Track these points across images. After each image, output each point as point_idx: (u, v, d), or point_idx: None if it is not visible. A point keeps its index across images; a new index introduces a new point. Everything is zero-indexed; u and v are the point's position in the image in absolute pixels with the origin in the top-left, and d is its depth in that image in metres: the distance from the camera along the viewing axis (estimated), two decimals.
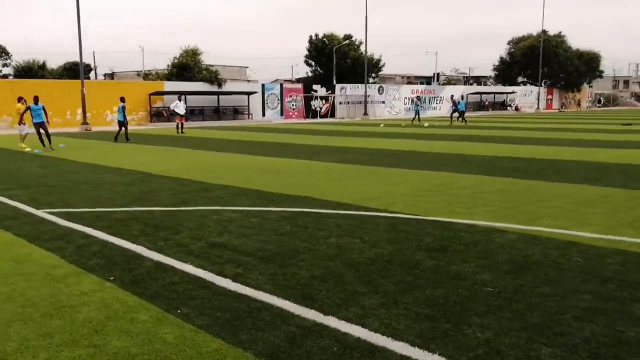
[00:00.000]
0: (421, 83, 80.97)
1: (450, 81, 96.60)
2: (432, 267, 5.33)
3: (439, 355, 3.54)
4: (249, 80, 50.30)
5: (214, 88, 44.59)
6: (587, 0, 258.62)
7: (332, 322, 4.06)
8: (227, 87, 46.12)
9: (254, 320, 4.11)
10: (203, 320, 4.11)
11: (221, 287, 4.85)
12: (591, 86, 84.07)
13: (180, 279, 5.06)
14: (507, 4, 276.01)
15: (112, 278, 5.13)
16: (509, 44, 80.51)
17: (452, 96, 45.61)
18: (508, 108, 68.68)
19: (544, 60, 70.22)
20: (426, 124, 35.83)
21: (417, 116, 39.53)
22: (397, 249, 5.97)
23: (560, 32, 76.55)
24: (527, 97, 72.29)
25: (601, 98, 73.78)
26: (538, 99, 71.75)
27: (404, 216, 7.67)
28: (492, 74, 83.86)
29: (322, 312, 4.24)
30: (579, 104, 74.78)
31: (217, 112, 44.26)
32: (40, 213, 8.14)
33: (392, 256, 5.72)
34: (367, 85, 53.80)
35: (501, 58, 79.98)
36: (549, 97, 75.73)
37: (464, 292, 4.64)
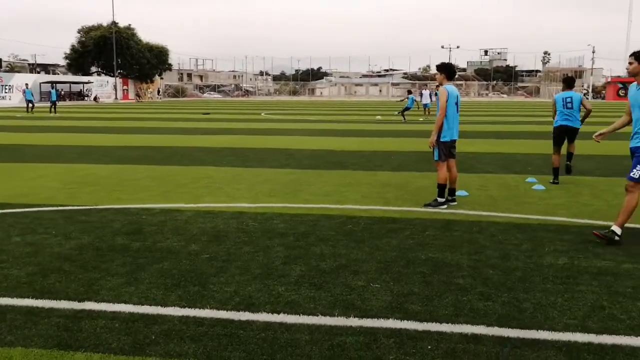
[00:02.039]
0: None
1: (13, 68, 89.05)
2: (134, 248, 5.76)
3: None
4: None
5: None
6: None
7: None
8: None
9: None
10: None
11: None
12: (162, 78, 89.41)
13: None
14: None
15: None
16: (79, 32, 78.71)
17: (26, 85, 42.44)
18: (86, 98, 67.58)
19: (117, 52, 71.41)
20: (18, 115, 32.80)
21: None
22: (95, 237, 6.12)
23: (130, 24, 78.85)
24: (103, 87, 72.36)
25: (159, 89, 79.17)
26: (115, 90, 72.68)
27: (75, 208, 7.64)
28: (65, 62, 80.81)
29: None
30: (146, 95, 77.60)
31: None
32: None
33: (95, 243, 5.88)
34: None
35: (73, 46, 77.64)
36: (125, 87, 77.46)
37: (186, 262, 5.30)
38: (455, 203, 7.94)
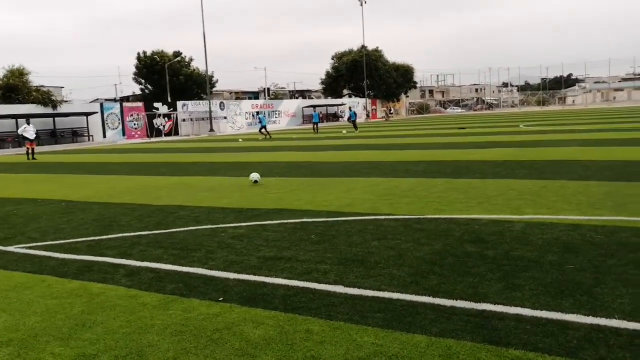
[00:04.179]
0: (249, 98, 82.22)
1: (277, 95, 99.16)
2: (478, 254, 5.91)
3: None
4: (65, 101, 46.85)
5: (48, 110, 41.15)
6: (391, 20, 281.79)
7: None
8: (64, 108, 42.83)
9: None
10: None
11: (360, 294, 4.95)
12: (408, 96, 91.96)
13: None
14: (327, 23, 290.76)
15: (220, 299, 4.95)
16: (332, 58, 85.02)
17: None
18: (340, 119, 72.44)
19: (367, 74, 75.42)
20: (294, 136, 36.81)
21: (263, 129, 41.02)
22: (445, 244, 6.46)
23: (377, 47, 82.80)
24: (355, 108, 76.85)
25: (392, 108, 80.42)
26: (366, 109, 76.70)
27: (405, 217, 8.18)
28: (320, 87, 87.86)
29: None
30: (389, 113, 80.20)
31: (54, 135, 40.98)
32: (17, 249, 7.27)
33: (448, 250, 6.20)
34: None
35: (327, 72, 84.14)
36: (373, 107, 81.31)
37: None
38: None
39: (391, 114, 72.78)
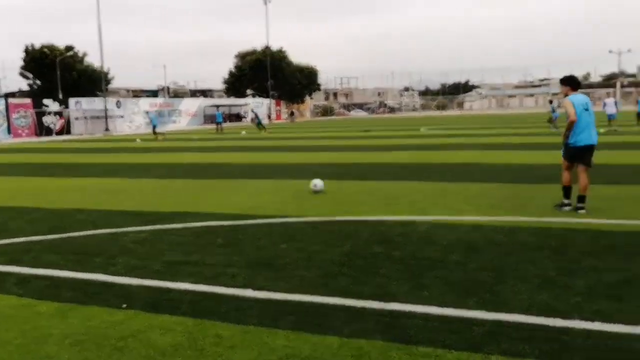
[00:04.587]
0: (147, 96, 79.71)
1: (177, 94, 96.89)
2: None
3: None
4: None
5: None
6: (296, 20, 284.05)
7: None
8: None
9: None
10: None
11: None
12: (312, 98, 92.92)
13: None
14: (230, 21, 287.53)
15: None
16: (236, 57, 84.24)
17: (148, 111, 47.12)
18: (243, 120, 71.82)
19: (270, 74, 75.34)
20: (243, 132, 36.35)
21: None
22: (352, 246, 6.52)
23: (281, 47, 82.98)
24: (258, 108, 76.52)
25: (293, 111, 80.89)
26: (270, 111, 76.57)
27: (314, 219, 8.19)
28: (223, 86, 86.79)
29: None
30: (292, 114, 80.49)
31: None
32: None
33: (356, 251, 6.26)
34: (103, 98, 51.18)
35: (230, 72, 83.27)
36: (278, 108, 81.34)
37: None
38: (584, 211, 7.77)
39: (292, 115, 72.90)
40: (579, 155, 8.08)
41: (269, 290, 5.03)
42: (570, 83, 8.43)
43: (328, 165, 15.83)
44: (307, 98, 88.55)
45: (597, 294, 4.66)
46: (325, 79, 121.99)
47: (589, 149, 8.07)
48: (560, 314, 4.27)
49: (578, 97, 8.14)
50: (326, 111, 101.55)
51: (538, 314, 4.27)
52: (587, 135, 8.01)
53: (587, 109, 8.12)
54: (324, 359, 3.66)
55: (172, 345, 3.92)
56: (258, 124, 41.84)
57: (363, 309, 4.52)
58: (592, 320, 4.12)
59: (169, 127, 55.64)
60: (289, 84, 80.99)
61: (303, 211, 8.78)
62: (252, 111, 47.43)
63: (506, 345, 3.75)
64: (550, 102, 33.08)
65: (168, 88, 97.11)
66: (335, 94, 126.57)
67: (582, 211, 7.88)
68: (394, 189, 10.85)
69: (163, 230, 7.69)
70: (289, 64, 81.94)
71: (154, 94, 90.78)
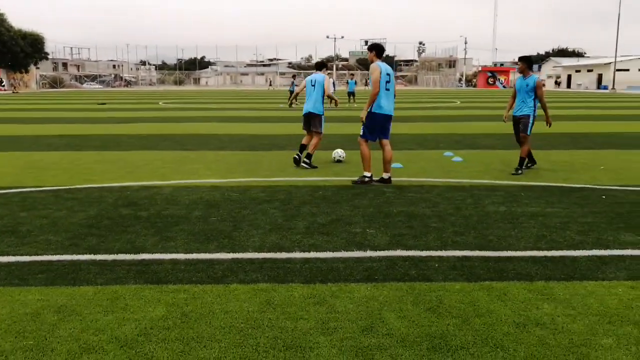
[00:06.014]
0: None
1: None
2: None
3: None
4: None
5: None
6: None
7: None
8: None
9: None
10: None
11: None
12: (38, 68, 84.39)
13: None
14: None
15: None
16: None
17: None
18: None
19: None
20: None
21: None
22: (100, 210, 6.72)
23: None
24: None
25: (15, 79, 73.60)
26: None
27: (54, 188, 8.05)
28: None
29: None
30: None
31: None
32: None
33: (104, 214, 6.50)
34: None
35: None
36: None
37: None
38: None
39: (12, 86, 65.56)
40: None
41: (14, 254, 5.05)
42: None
43: (62, 137, 15.17)
44: (32, 68, 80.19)
45: (313, 232, 5.75)
46: (54, 49, 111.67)
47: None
48: (285, 249, 5.20)
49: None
50: (55, 82, 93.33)
51: (268, 251, 5.14)
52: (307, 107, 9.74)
53: (313, 85, 9.84)
54: (80, 305, 3.97)
55: None
56: None
57: (114, 261, 4.88)
58: (309, 251, 5.14)
59: None
60: (10, 51, 72.36)
61: (41, 182, 8.54)
62: None
63: (242, 276, 4.51)
64: (294, 77, 39.29)
65: None
66: (65, 65, 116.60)
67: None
68: (135, 158, 11.06)
69: None
70: (9, 28, 73.13)
71: None
